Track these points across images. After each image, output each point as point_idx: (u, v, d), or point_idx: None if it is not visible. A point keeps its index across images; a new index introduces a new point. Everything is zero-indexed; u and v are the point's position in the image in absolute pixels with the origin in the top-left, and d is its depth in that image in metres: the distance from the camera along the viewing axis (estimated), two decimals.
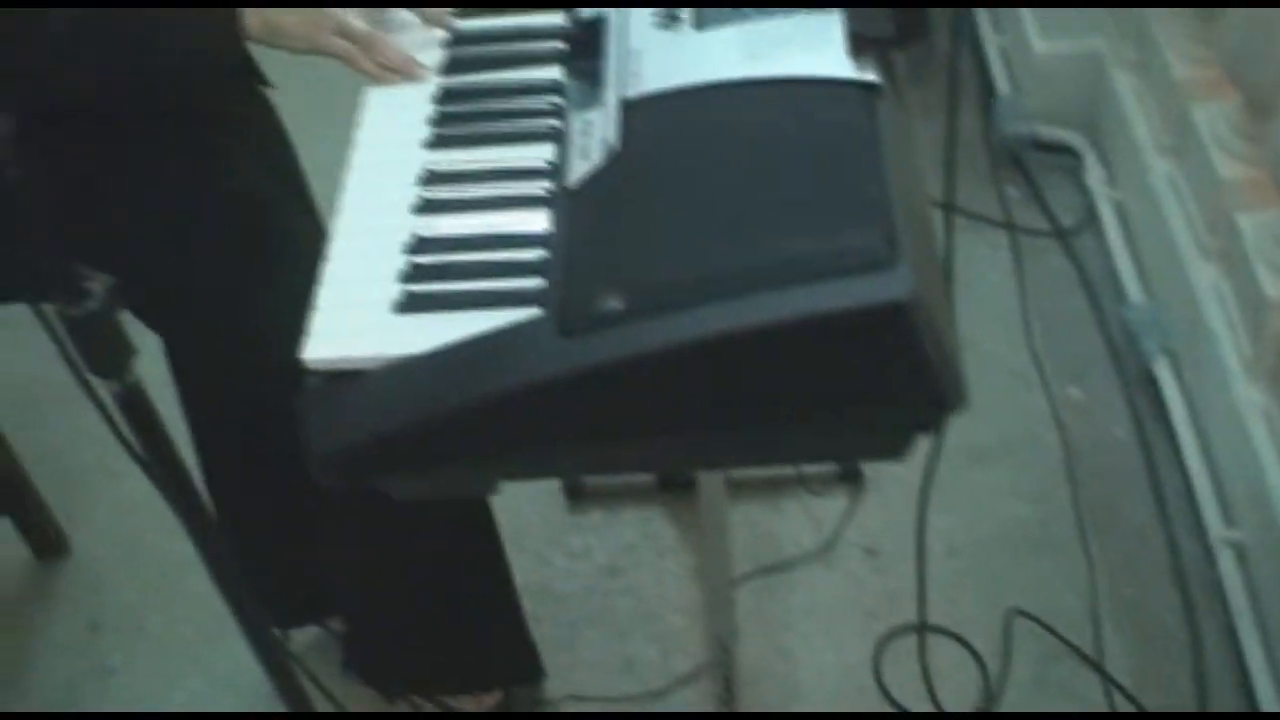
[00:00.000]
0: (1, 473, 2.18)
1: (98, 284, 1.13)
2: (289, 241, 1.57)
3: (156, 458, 1.25)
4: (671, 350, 1.02)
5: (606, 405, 1.06)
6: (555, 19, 1.35)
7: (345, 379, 1.10)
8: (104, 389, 1.21)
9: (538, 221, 1.17)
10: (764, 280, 1.02)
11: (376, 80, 1.32)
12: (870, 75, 1.15)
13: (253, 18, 1.32)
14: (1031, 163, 2.71)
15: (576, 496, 2.26)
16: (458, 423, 1.06)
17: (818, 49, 1.17)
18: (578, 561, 2.19)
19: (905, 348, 1.00)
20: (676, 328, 1.03)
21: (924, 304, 1.00)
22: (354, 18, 1.32)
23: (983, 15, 2.95)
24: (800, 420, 1.07)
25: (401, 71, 1.32)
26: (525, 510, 2.23)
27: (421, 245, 1.17)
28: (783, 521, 2.19)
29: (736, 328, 1.01)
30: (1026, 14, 2.72)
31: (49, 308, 1.14)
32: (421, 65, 1.33)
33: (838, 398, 1.04)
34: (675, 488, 2.24)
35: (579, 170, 1.17)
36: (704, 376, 1.03)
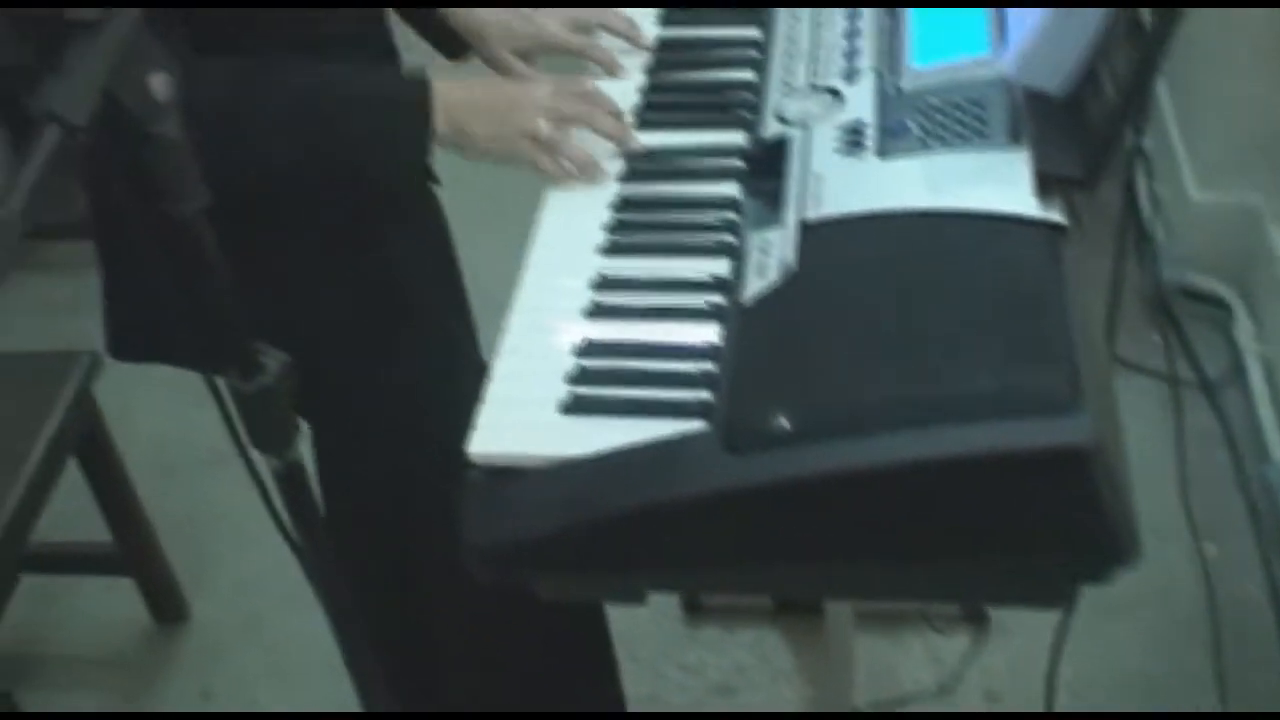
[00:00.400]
0: (130, 534, 2.21)
1: (273, 360, 1.15)
2: (438, 336, 1.59)
3: (307, 537, 1.25)
4: (839, 476, 1.01)
5: (768, 526, 1.05)
6: (736, 138, 1.35)
7: (507, 474, 1.10)
8: (264, 464, 1.22)
9: (708, 335, 1.17)
10: (939, 413, 1.01)
11: (557, 181, 1.34)
12: (1056, 216, 1.14)
13: (442, 122, 1.33)
14: (1180, 311, 2.67)
15: (694, 611, 2.24)
16: (616, 530, 1.06)
17: (1004, 185, 1.16)
18: (691, 677, 2.16)
19: (1082, 495, 0.98)
20: (846, 454, 1.02)
21: (1103, 451, 0.98)
22: (540, 116, 1.33)
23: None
24: (963, 559, 1.05)
25: (584, 174, 1.33)
26: (642, 620, 2.21)
27: (591, 349, 1.18)
28: (904, 656, 2.15)
29: (909, 459, 1.00)
30: (1185, 162, 2.70)
31: (221, 378, 1.16)
32: (601, 169, 1.34)
33: (1006, 540, 1.02)
34: (793, 610, 2.21)
35: (754, 287, 1.17)
36: (870, 506, 1.02)
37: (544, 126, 1.33)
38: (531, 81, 1.39)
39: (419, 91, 1.33)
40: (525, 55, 1.53)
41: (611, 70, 1.48)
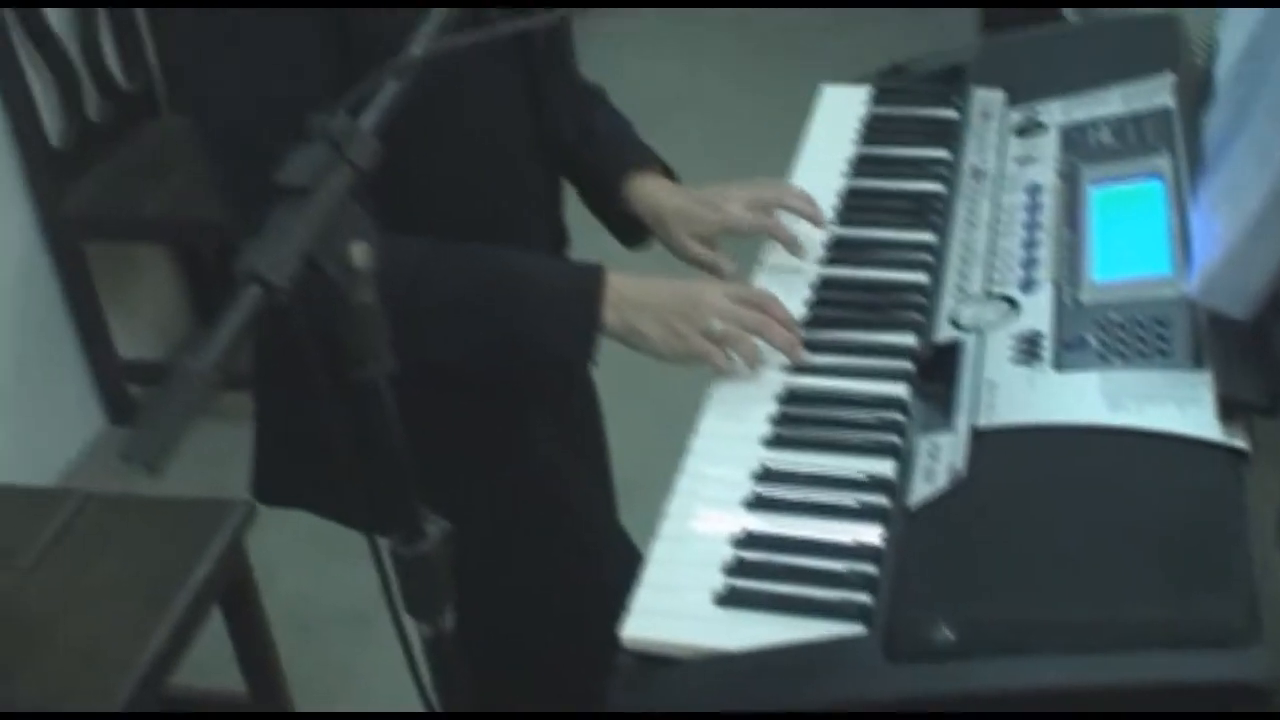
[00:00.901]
0: (266, 688, 2.22)
1: (435, 527, 1.15)
2: (579, 519, 1.59)
3: (451, 706, 1.25)
4: (1004, 696, 0.98)
5: None
6: (907, 339, 1.35)
7: (658, 662, 1.09)
8: (415, 630, 1.22)
9: (871, 536, 1.15)
10: (1109, 638, 0.98)
11: (727, 375, 1.34)
12: (1240, 442, 1.11)
13: (613, 318, 1.34)
14: None
15: None
16: None
17: (1185, 406, 1.14)
18: None
19: None
20: (1011, 672, 0.99)
21: None
22: (714, 317, 1.34)
23: None
24: None
25: (755, 369, 1.33)
26: None
27: (750, 541, 1.17)
28: None
29: (1076, 685, 0.97)
30: None
31: (383, 540, 1.17)
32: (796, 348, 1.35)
33: None
34: None
35: (921, 492, 1.15)
36: None
37: (718, 326, 1.33)
38: (708, 285, 1.38)
39: (591, 284, 1.34)
40: (707, 239, 1.53)
41: (793, 250, 1.48)
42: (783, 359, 1.35)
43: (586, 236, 1.61)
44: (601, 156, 1.58)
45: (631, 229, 1.59)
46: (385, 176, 1.05)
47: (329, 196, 0.93)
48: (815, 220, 1.51)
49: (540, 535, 1.55)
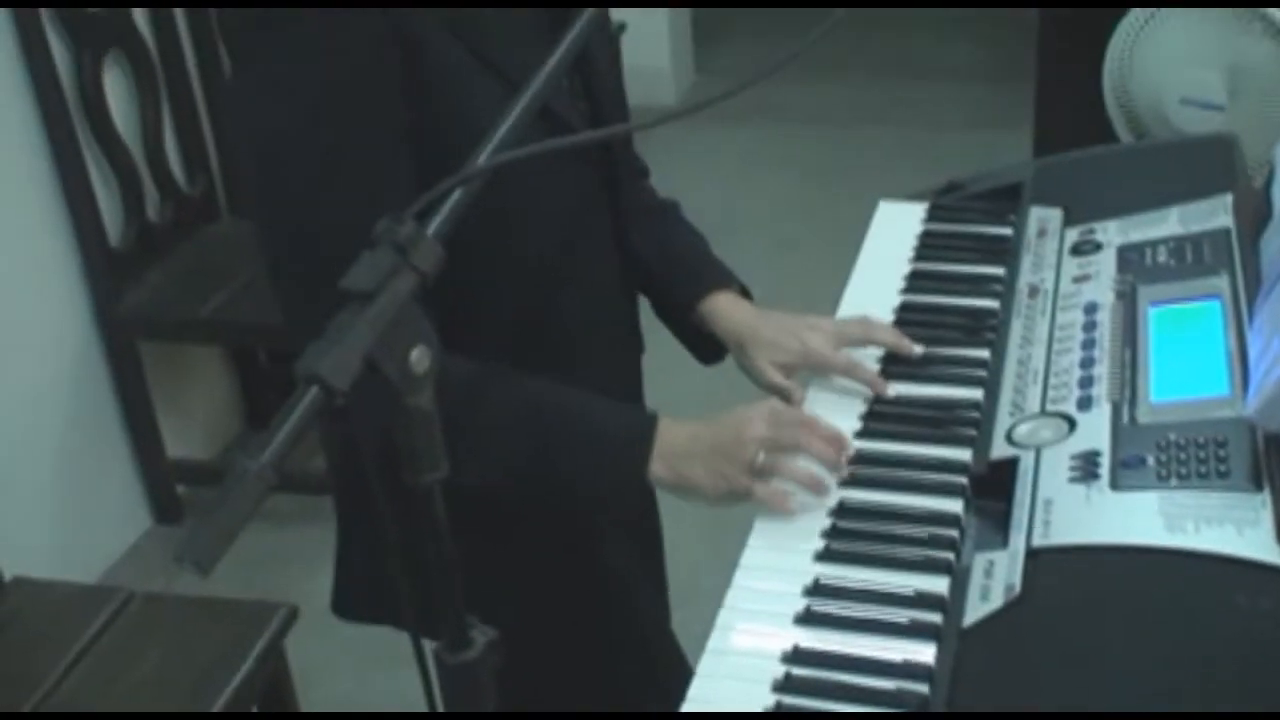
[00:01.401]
0: None
1: (481, 635, 1.14)
2: (639, 625, 1.57)
3: None
4: None
5: None
6: (962, 454, 1.34)
7: None
8: None
9: (924, 654, 1.13)
10: None
11: (773, 508, 1.32)
12: None
13: (663, 469, 1.34)
14: None
15: None
16: None
17: (1245, 529, 1.12)
18: None
19: None
20: None
21: None
22: (756, 448, 1.32)
23: None
24: None
25: (810, 490, 1.32)
26: None
27: (800, 656, 1.15)
28: None
29: None
30: None
31: (429, 645, 1.16)
32: (825, 486, 1.33)
33: None
34: None
35: (976, 610, 1.14)
36: None
37: (761, 457, 1.32)
38: (749, 416, 1.36)
39: (642, 435, 1.34)
40: (786, 369, 1.51)
41: (878, 390, 1.46)
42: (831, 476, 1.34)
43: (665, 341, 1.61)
44: (679, 273, 1.58)
45: (708, 347, 1.59)
46: (459, 280, 1.06)
47: (392, 300, 0.94)
48: (907, 352, 1.50)
49: (600, 639, 1.54)
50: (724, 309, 1.56)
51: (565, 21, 1.29)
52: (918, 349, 1.50)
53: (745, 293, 1.59)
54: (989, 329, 1.51)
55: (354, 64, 1.24)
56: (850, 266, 1.68)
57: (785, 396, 1.51)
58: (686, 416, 1.36)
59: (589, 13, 1.19)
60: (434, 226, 1.03)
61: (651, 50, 4.66)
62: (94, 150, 2.79)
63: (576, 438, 1.35)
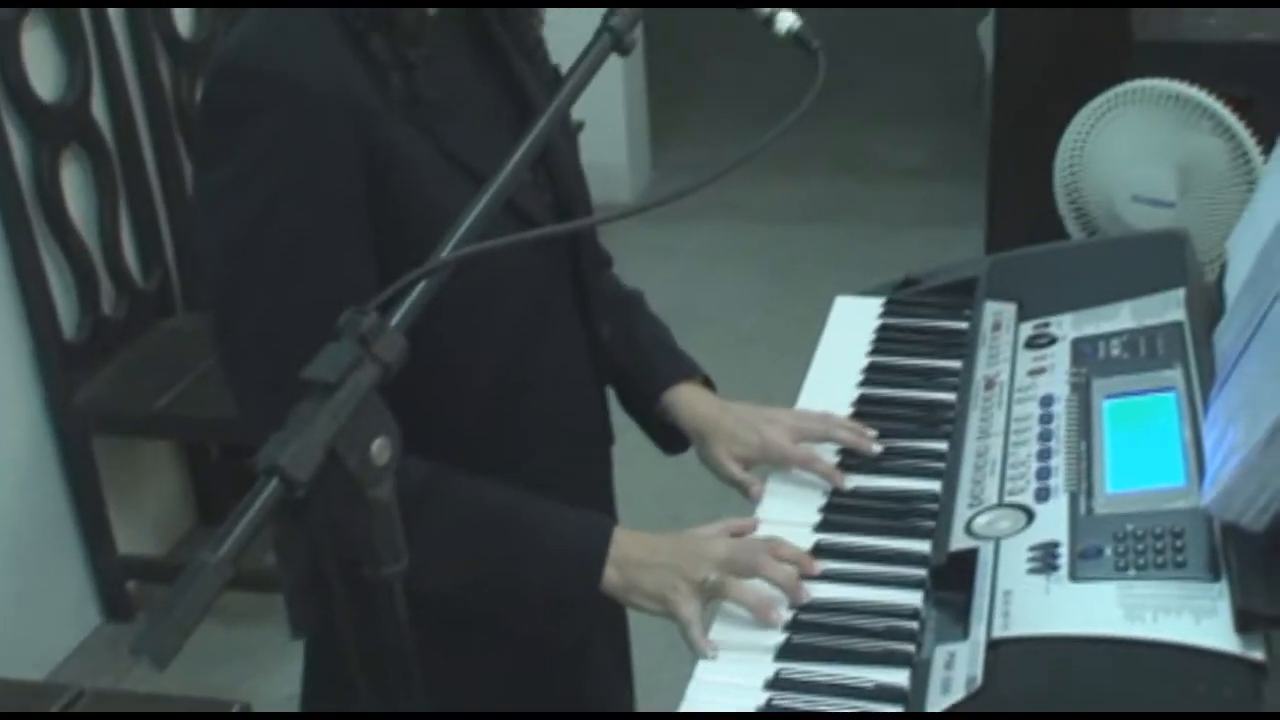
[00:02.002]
0: None
1: None
2: (601, 706, 1.56)
3: None
4: None
5: None
6: (921, 546, 1.34)
7: None
8: None
9: None
10: None
11: (688, 629, 1.30)
12: (1258, 654, 1.10)
13: (614, 576, 1.33)
14: None
15: None
16: None
17: (1202, 618, 1.13)
18: None
19: None
20: None
21: None
22: (711, 570, 1.31)
23: None
24: None
25: (758, 615, 1.30)
26: None
27: None
28: None
29: None
30: None
31: None
32: (778, 612, 1.30)
33: None
34: None
35: (938, 702, 1.13)
36: None
37: (712, 577, 1.31)
38: (712, 537, 1.36)
39: (597, 543, 1.34)
40: (745, 461, 1.52)
41: (836, 483, 1.47)
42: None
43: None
44: (643, 363, 1.58)
45: (671, 437, 1.59)
46: (422, 373, 1.06)
47: (354, 391, 0.94)
48: (866, 450, 1.50)
49: None
50: (686, 400, 1.56)
51: (528, 116, 1.32)
52: (876, 448, 1.51)
53: (709, 383, 1.60)
54: (946, 421, 1.52)
55: (318, 160, 1.24)
56: (808, 360, 1.70)
57: (743, 489, 1.51)
58: (654, 506, 1.35)
59: (553, 108, 1.20)
60: (397, 318, 1.03)
61: (609, 147, 4.70)
62: (50, 244, 2.79)
63: (532, 547, 1.34)
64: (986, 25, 4.72)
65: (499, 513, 1.35)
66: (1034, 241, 1.86)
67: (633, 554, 1.33)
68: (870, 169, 5.00)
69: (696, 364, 1.61)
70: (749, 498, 1.50)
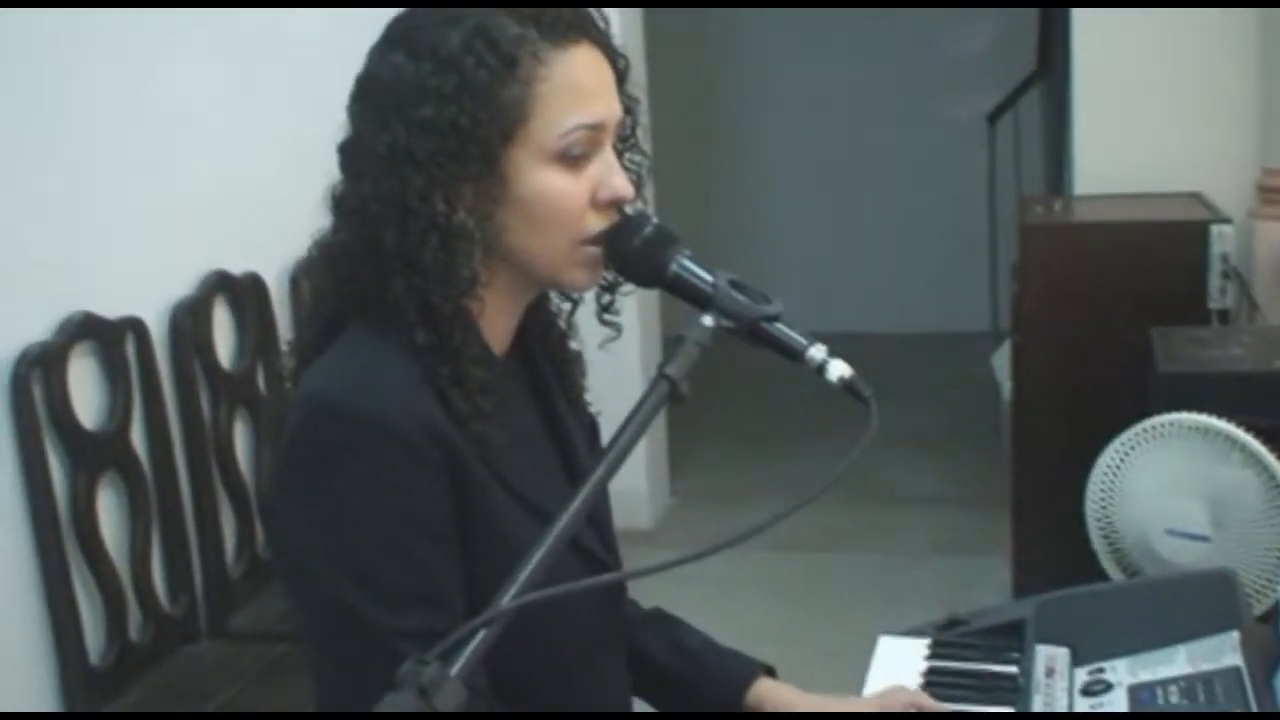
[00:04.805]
0: None
1: None
2: None
3: None
4: None
5: None
6: None
7: None
8: None
9: None
10: None
11: None
12: None
13: None
14: None
15: None
16: None
17: None
18: None
19: None
20: None
21: None
22: None
23: None
24: None
25: None
26: None
27: None
28: None
29: None
30: None
31: None
32: None
33: None
34: None
35: None
36: None
37: None
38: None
39: None
40: None
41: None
42: None
43: None
44: (710, 670, 1.63)
45: None
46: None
47: None
48: None
49: None
50: (770, 693, 1.62)
51: (568, 454, 1.45)
52: None
53: (771, 672, 1.66)
54: None
55: (410, 491, 1.31)
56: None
57: None
58: None
59: (614, 453, 1.24)
60: (458, 666, 1.04)
61: (628, 472, 4.69)
62: (82, 569, 2.78)
63: None
64: (1001, 355, 4.83)
65: None
66: (1062, 573, 1.86)
67: None
68: (889, 497, 5.01)
69: (753, 657, 1.66)
70: None
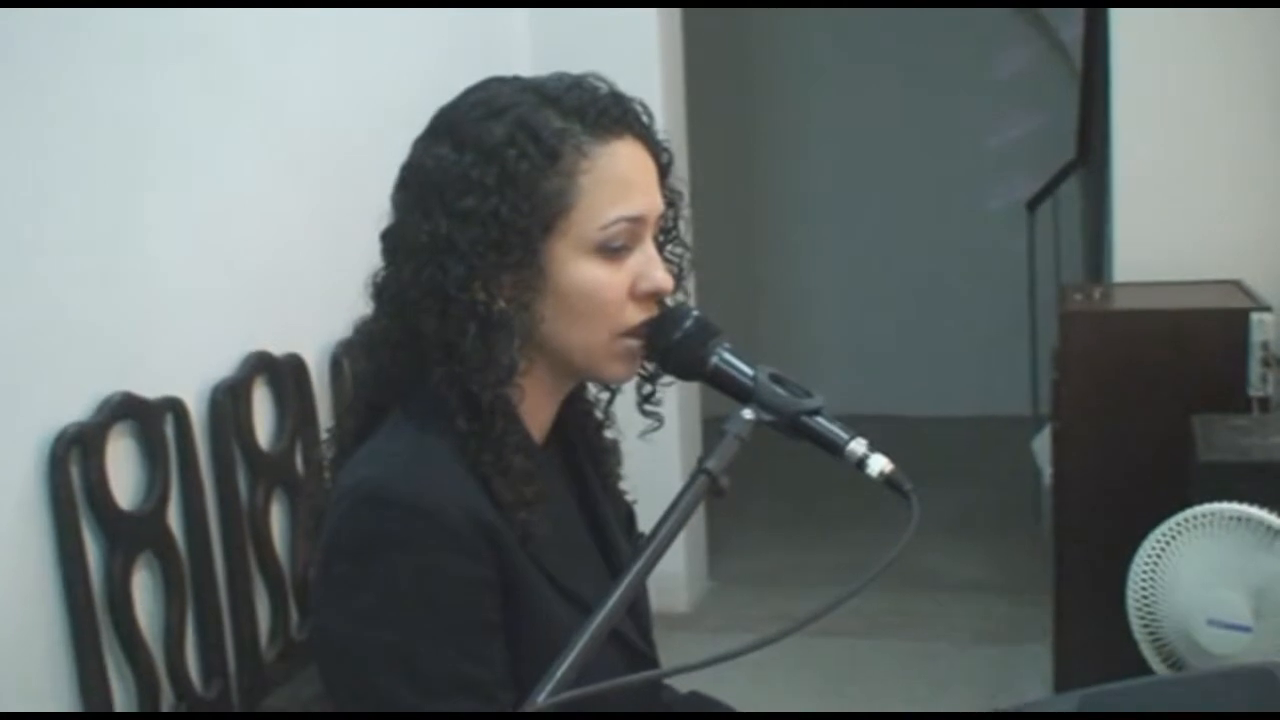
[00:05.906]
0: None
1: None
2: None
3: None
4: None
5: None
6: None
7: None
8: None
9: None
10: None
11: None
12: None
13: None
14: None
15: None
16: None
17: None
18: None
19: None
20: None
21: None
22: None
23: None
24: None
25: None
26: None
27: None
28: None
29: None
30: None
31: None
32: None
33: None
34: None
35: None
36: None
37: None
38: None
39: None
40: None
41: None
42: None
43: None
44: None
45: None
46: None
47: None
48: None
49: None
50: None
51: (604, 541, 1.46)
52: None
53: None
54: None
55: (459, 581, 1.32)
56: None
57: None
58: None
59: (655, 545, 1.24)
60: None
61: (667, 557, 4.68)
62: (115, 650, 2.78)
63: None
64: (1042, 440, 4.80)
65: None
66: (1104, 661, 1.83)
67: None
68: (928, 583, 4.97)
69: None
70: None
